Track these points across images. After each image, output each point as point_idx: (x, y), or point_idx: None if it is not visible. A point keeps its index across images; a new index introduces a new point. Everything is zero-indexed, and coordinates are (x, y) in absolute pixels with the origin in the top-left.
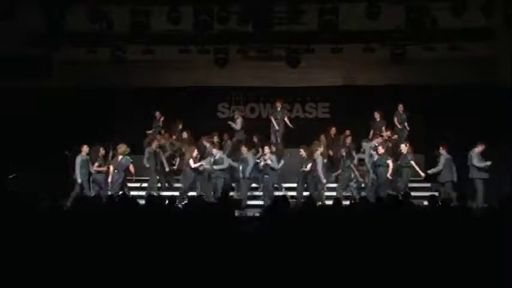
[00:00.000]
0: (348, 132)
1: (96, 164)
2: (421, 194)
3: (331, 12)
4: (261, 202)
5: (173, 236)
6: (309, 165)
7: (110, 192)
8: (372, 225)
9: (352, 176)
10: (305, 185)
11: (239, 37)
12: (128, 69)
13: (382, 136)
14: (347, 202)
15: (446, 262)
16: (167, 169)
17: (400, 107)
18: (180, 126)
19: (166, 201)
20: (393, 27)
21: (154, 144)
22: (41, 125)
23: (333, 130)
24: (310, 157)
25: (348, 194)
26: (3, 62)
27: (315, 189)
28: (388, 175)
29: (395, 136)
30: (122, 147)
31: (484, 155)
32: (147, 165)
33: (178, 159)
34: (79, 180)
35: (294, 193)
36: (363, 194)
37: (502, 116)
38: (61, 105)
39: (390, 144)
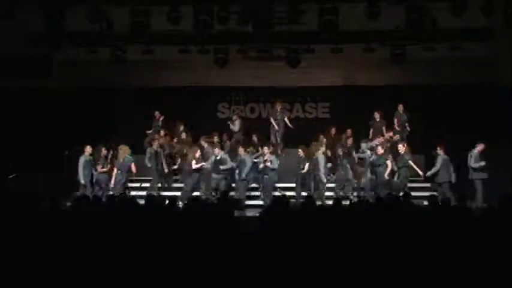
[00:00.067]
0: (349, 132)
1: (99, 166)
2: (421, 194)
3: (331, 12)
4: (260, 202)
5: (173, 236)
6: (306, 165)
7: (111, 193)
8: (371, 225)
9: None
10: (303, 185)
11: (239, 37)
12: (128, 69)
13: (383, 136)
14: (346, 202)
15: (446, 262)
16: (166, 170)
17: (400, 107)
18: (182, 128)
19: (167, 201)
20: (393, 27)
21: (156, 144)
22: (41, 125)
23: (333, 130)
24: (308, 157)
25: (346, 194)
26: (3, 62)
27: (316, 189)
28: (386, 175)
29: (397, 136)
30: (123, 148)
31: (484, 155)
32: (149, 165)
33: (179, 160)
34: (82, 181)
35: (291, 193)
36: (355, 194)
37: (502, 116)
38: (61, 105)
39: (389, 145)
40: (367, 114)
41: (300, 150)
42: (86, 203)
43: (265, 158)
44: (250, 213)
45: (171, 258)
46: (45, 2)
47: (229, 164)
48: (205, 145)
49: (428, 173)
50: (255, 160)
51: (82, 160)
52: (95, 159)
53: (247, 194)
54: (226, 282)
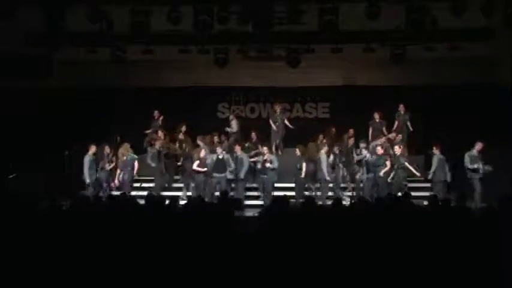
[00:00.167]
0: (351, 132)
1: (107, 163)
2: (421, 194)
3: (331, 12)
4: (260, 202)
5: (173, 236)
6: (304, 165)
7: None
8: (371, 225)
9: (345, 174)
10: (302, 187)
11: (239, 37)
12: (128, 69)
13: (384, 136)
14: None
15: (445, 262)
16: (163, 170)
17: (401, 108)
18: (184, 128)
19: (167, 201)
20: (393, 27)
21: (158, 144)
22: (41, 125)
23: (333, 130)
24: (308, 156)
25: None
26: (3, 62)
27: (318, 189)
28: (381, 173)
29: (400, 136)
30: (124, 146)
31: (483, 155)
32: (153, 165)
33: (182, 159)
34: (88, 181)
35: (291, 193)
36: (347, 194)
37: (502, 116)
38: (61, 105)
39: (389, 145)
40: (367, 114)
41: (297, 149)
42: (86, 203)
43: (265, 158)
44: (249, 213)
45: (171, 258)
46: (45, 2)
47: (233, 165)
48: (202, 144)
49: (430, 174)
50: (252, 160)
51: (87, 159)
52: (97, 158)
53: (247, 193)
54: (226, 282)
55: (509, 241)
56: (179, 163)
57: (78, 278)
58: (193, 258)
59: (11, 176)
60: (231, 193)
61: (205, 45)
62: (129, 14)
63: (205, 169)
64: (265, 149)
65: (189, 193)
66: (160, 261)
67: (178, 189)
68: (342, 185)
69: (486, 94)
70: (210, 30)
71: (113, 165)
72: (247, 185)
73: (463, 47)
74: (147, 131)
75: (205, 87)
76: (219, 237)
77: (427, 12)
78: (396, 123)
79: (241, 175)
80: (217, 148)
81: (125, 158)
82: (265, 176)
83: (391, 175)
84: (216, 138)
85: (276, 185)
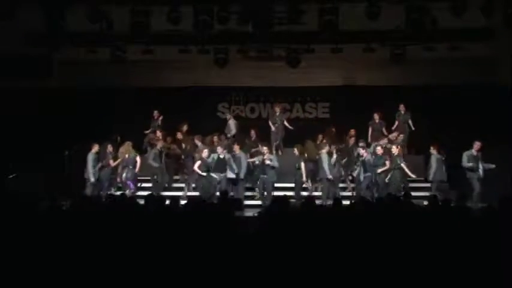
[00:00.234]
0: (352, 132)
1: (111, 160)
2: (421, 194)
3: (331, 12)
4: (259, 202)
5: (173, 236)
6: (302, 164)
7: (129, 191)
8: (371, 225)
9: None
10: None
11: (239, 37)
12: (128, 69)
13: (384, 136)
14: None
15: (446, 262)
16: (165, 170)
17: (402, 107)
18: (186, 127)
19: (167, 201)
20: (393, 27)
21: (159, 144)
22: (41, 125)
23: (333, 130)
24: (308, 156)
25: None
26: (3, 62)
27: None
28: (379, 171)
29: (401, 136)
30: (126, 145)
31: (483, 154)
32: (156, 165)
33: (183, 157)
34: (92, 179)
35: (290, 193)
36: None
37: (502, 116)
38: (61, 105)
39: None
40: (367, 114)
41: (295, 149)
42: (86, 203)
43: (264, 158)
44: (249, 213)
45: (170, 258)
46: (45, 2)
47: (234, 166)
48: (199, 144)
49: (431, 175)
50: (251, 160)
51: (90, 157)
52: (100, 156)
53: (246, 193)
54: (226, 282)
55: (509, 241)
56: (182, 161)
57: (78, 278)
58: (193, 259)
59: (11, 176)
60: (231, 193)
61: (205, 45)
62: (129, 14)
63: (204, 174)
64: (265, 149)
65: (190, 193)
66: (160, 261)
67: (179, 189)
68: (342, 185)
69: (486, 94)
70: (210, 30)
71: (118, 161)
72: (246, 185)
73: (463, 47)
74: (146, 131)
75: (205, 87)
76: (219, 237)
77: (427, 12)
78: (396, 123)
79: (241, 175)
80: (218, 148)
81: (126, 156)
82: (265, 176)
83: (389, 175)
84: (215, 138)
85: (276, 185)
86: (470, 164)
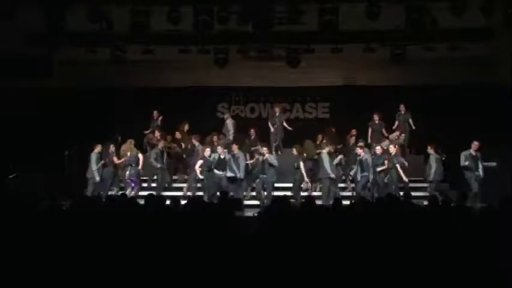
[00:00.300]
0: (353, 132)
1: (115, 158)
2: (421, 194)
3: (331, 12)
4: (259, 202)
5: (173, 236)
6: (301, 164)
7: (131, 190)
8: (371, 225)
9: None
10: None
11: (239, 37)
12: (128, 69)
13: (385, 137)
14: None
15: (446, 261)
16: (166, 170)
17: (402, 107)
18: (187, 126)
19: (167, 201)
20: (393, 27)
21: (161, 144)
22: (41, 125)
23: (333, 130)
24: (308, 155)
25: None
26: (3, 62)
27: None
28: (378, 169)
29: (403, 136)
30: (128, 143)
31: (482, 154)
32: (158, 165)
33: (185, 156)
34: (97, 178)
35: (290, 193)
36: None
37: (502, 116)
38: (61, 105)
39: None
40: (367, 114)
41: (294, 149)
42: (86, 203)
43: (264, 158)
44: (249, 213)
45: (171, 258)
46: (45, 2)
47: (235, 167)
48: (197, 143)
49: (431, 175)
50: (249, 162)
51: (94, 157)
52: (102, 156)
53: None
54: (226, 282)
55: (509, 241)
56: (184, 160)
57: (78, 278)
58: (193, 259)
59: (11, 176)
60: (231, 193)
61: (205, 45)
62: (129, 14)
63: (202, 177)
64: (264, 149)
65: (190, 193)
66: (160, 261)
67: (179, 189)
68: (342, 185)
69: (486, 94)
70: (210, 30)
71: (123, 159)
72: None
73: (463, 47)
74: (146, 132)
75: (205, 87)
76: (219, 237)
77: (427, 12)
78: (396, 123)
79: (241, 175)
80: (219, 148)
81: (128, 153)
82: (264, 176)
83: (388, 175)
84: (215, 138)
85: (276, 185)
86: (467, 163)
